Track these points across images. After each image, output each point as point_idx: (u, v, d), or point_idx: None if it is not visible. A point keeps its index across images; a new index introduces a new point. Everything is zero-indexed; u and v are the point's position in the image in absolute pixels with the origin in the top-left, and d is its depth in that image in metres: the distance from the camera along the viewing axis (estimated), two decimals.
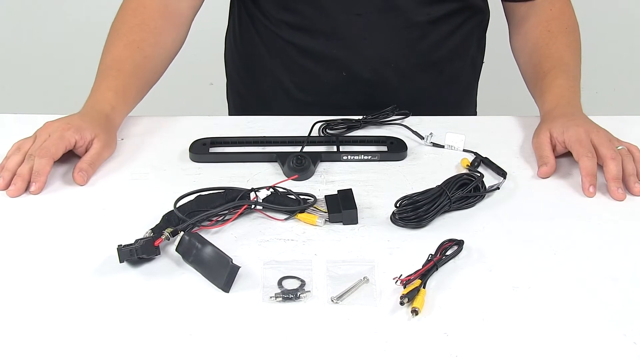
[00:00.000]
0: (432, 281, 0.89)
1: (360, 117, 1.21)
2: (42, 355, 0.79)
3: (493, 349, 0.80)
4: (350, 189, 1.02)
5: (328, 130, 1.19)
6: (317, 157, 1.11)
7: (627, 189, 1.06)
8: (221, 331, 0.82)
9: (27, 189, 1.04)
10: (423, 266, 0.90)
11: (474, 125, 1.23)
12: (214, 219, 0.97)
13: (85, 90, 1.17)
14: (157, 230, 0.94)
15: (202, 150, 1.13)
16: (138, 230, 0.94)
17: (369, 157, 1.13)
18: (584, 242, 0.96)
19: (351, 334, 0.82)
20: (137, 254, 0.89)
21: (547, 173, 1.09)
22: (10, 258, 0.93)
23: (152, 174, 1.10)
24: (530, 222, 1.00)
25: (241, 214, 0.98)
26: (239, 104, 1.46)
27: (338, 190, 1.03)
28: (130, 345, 0.80)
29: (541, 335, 0.82)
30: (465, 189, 1.01)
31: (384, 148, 1.15)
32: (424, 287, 0.86)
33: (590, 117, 1.15)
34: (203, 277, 0.89)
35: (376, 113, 1.21)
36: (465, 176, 1.02)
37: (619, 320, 0.84)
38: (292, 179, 1.06)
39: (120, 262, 0.90)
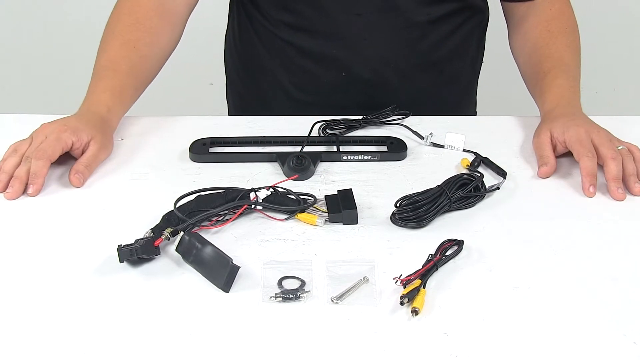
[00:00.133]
0: (432, 281, 0.89)
1: (360, 117, 1.21)
2: (42, 355, 0.79)
3: (493, 349, 0.80)
4: (350, 189, 1.02)
5: (328, 130, 1.19)
6: (317, 157, 1.11)
7: (627, 189, 1.06)
8: (221, 331, 0.82)
9: (24, 191, 1.04)
10: (423, 266, 0.90)
11: (474, 125, 1.23)
12: (214, 219, 0.97)
13: (84, 91, 1.17)
14: (157, 230, 0.94)
15: (202, 150, 1.13)
16: (138, 230, 0.94)
17: (369, 157, 1.13)
18: (584, 242, 0.96)
19: (351, 334, 0.82)
20: (137, 254, 0.89)
21: (547, 173, 1.09)
22: (9, 260, 0.93)
23: (152, 174, 1.10)
24: (530, 222, 1.00)
25: (241, 214, 0.98)
26: (238, 104, 1.45)
27: (338, 190, 1.03)
28: (130, 345, 0.80)
29: (541, 335, 0.82)
30: (465, 189, 1.01)
31: (384, 148, 1.15)
32: (424, 287, 0.86)
33: (590, 117, 1.15)
34: (203, 277, 0.89)
35: (376, 113, 1.21)
36: (465, 176, 1.02)
37: (619, 320, 0.84)
38: (292, 179, 1.06)
39: (120, 262, 0.90)
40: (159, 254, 0.92)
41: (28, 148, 1.07)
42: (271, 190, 1.01)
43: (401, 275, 0.88)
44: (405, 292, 0.85)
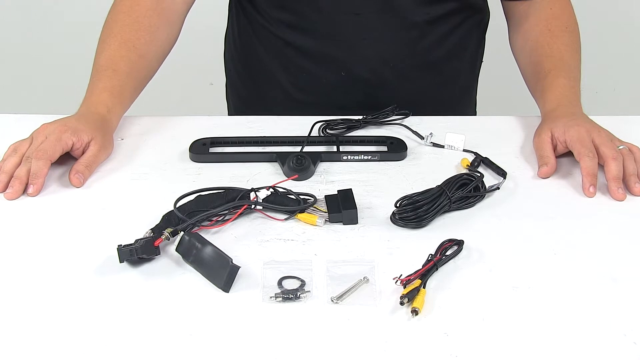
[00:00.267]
0: (432, 281, 0.89)
1: (360, 117, 1.21)
2: (42, 355, 0.79)
3: (493, 349, 0.80)
4: (350, 189, 1.02)
5: (328, 130, 1.19)
6: (317, 157, 1.11)
7: (628, 188, 1.06)
8: (221, 331, 0.82)
9: (24, 191, 1.04)
10: (423, 266, 0.90)
11: (474, 125, 1.23)
12: (214, 219, 0.97)
13: (84, 91, 1.17)
14: (157, 230, 0.94)
15: (202, 150, 1.13)
16: (138, 230, 0.94)
17: (369, 157, 1.13)
18: (584, 242, 0.96)
19: (351, 334, 0.82)
20: (137, 254, 0.89)
21: (548, 173, 1.09)
22: (9, 260, 0.93)
23: (152, 174, 1.10)
24: (530, 222, 1.00)
25: (241, 214, 0.98)
26: (238, 104, 1.46)
27: (338, 190, 1.03)
28: (130, 345, 0.80)
29: (541, 335, 0.82)
30: (465, 189, 1.01)
31: (384, 148, 1.15)
32: (424, 287, 0.86)
33: (591, 117, 1.15)
34: (203, 277, 0.89)
35: (376, 113, 1.21)
36: (465, 176, 1.02)
37: (619, 320, 0.84)
38: (292, 179, 1.06)
39: (120, 262, 0.90)
40: (159, 254, 0.92)
41: (28, 148, 1.07)
42: (271, 190, 1.01)
43: (401, 275, 0.88)
44: (405, 292, 0.85)
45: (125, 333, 0.82)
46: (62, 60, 2.47)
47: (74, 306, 0.85)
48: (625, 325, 0.83)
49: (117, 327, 0.82)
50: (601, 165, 1.08)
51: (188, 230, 0.93)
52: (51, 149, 1.06)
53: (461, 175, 1.03)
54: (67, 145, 1.08)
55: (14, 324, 0.83)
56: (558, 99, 1.18)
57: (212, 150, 1.14)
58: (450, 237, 0.94)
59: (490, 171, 1.10)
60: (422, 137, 1.17)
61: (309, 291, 0.87)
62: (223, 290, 0.87)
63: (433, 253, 0.92)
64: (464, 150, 1.14)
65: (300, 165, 1.08)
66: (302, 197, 1.01)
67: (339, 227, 0.98)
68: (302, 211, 0.99)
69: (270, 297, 0.86)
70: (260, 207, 1.00)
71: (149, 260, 0.92)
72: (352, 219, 0.99)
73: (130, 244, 0.90)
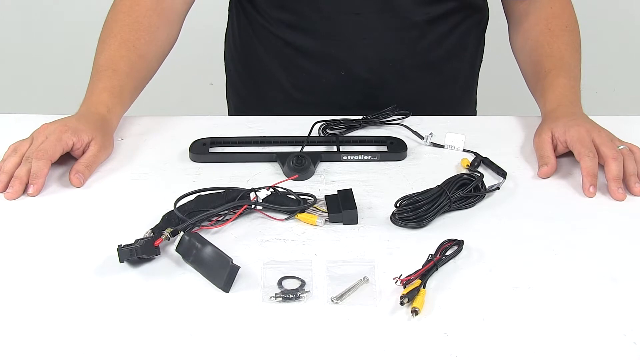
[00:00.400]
0: (432, 281, 0.89)
1: (360, 117, 1.21)
2: (42, 355, 0.79)
3: (493, 349, 0.80)
4: (350, 189, 1.02)
5: (328, 130, 1.19)
6: (317, 157, 1.11)
7: (628, 188, 1.06)
8: (221, 331, 0.82)
9: (24, 191, 1.04)
10: (423, 266, 0.90)
11: (474, 125, 1.23)
12: (214, 219, 0.97)
13: (84, 91, 1.17)
14: (157, 230, 0.94)
15: (202, 150, 1.13)
16: (138, 230, 0.94)
17: (369, 157, 1.13)
18: (584, 242, 0.96)
19: (351, 334, 0.82)
20: (137, 254, 0.89)
21: (548, 173, 1.09)
22: (10, 260, 0.93)
23: (152, 174, 1.10)
24: (530, 222, 1.00)
25: (241, 214, 0.98)
26: (238, 104, 1.46)
27: (338, 190, 1.03)
28: (130, 345, 0.80)
29: (541, 335, 0.82)
30: (465, 189, 1.01)
31: (384, 148, 1.15)
32: (424, 287, 0.86)
33: (591, 117, 1.15)
34: (203, 277, 0.89)
35: (376, 113, 1.21)
36: (465, 176, 1.02)
37: (619, 320, 0.84)
38: (292, 179, 1.06)
39: (120, 262, 0.90)
40: (159, 254, 0.92)
41: (28, 148, 1.07)
42: (271, 190, 1.01)
43: (401, 275, 0.88)
44: (405, 292, 0.85)
45: (126, 333, 0.82)
46: (62, 60, 2.47)
47: (74, 306, 0.85)
48: (625, 325, 0.83)
49: (117, 327, 0.82)
50: (601, 165, 1.08)
51: (188, 230, 0.93)
52: (51, 149, 1.06)
53: (461, 175, 1.03)
54: (68, 145, 1.08)
55: (14, 323, 0.83)
56: (558, 99, 1.18)
57: (212, 150, 1.14)
58: (450, 237, 0.94)
59: (490, 171, 1.10)
60: (422, 137, 1.17)
61: (309, 291, 0.87)
62: (223, 290, 0.87)
63: (433, 253, 0.92)
64: (464, 150, 1.14)
65: (300, 165, 1.08)
66: (302, 197, 1.01)
67: (339, 227, 0.98)
68: (302, 211, 0.99)
69: (270, 297, 0.86)
70: (260, 207, 1.00)
71: (149, 260, 0.92)
72: (352, 219, 0.99)
73: (130, 244, 0.90)
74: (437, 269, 0.90)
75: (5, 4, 2.46)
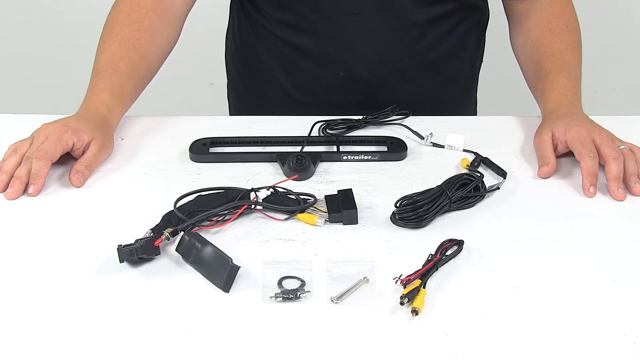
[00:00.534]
0: (432, 281, 0.89)
1: (360, 117, 1.21)
2: (42, 355, 0.79)
3: (493, 349, 0.80)
4: (350, 189, 1.02)
5: (328, 130, 1.19)
6: (317, 157, 1.11)
7: (628, 188, 1.06)
8: (221, 331, 0.82)
9: (24, 191, 1.04)
10: (423, 266, 0.90)
11: (474, 125, 1.23)
12: (214, 219, 0.97)
13: (84, 91, 1.17)
14: (157, 230, 0.94)
15: (202, 150, 1.13)
16: (138, 230, 0.94)
17: (369, 157, 1.13)
18: (584, 242, 0.96)
19: (351, 334, 0.82)
20: (137, 254, 0.89)
21: (548, 173, 1.09)
22: (10, 260, 0.93)
23: (152, 174, 1.10)
24: (530, 222, 1.00)
25: (241, 214, 0.98)
26: (239, 104, 1.46)
27: (338, 190, 1.03)
28: (131, 345, 0.80)
29: (541, 335, 0.82)
30: (465, 189, 1.01)
31: (384, 148, 1.15)
32: (424, 287, 0.86)
33: (591, 117, 1.15)
34: (203, 277, 0.89)
35: (376, 113, 1.21)
36: (465, 176, 1.02)
37: (619, 320, 0.84)
38: (292, 179, 1.06)
39: (120, 262, 0.90)
40: (159, 254, 0.92)
41: (29, 148, 1.07)
42: (271, 190, 1.01)
43: (401, 275, 0.88)
44: (405, 292, 0.85)
45: (126, 333, 0.82)
46: (62, 60, 2.47)
47: (74, 306, 0.85)
48: (625, 325, 0.83)
49: (117, 327, 0.82)
50: (602, 166, 1.08)
51: (188, 230, 0.93)
52: (52, 149, 1.06)
53: (461, 175, 1.03)
54: (68, 145, 1.08)
55: (14, 323, 0.83)
56: (559, 99, 1.18)
57: (212, 150, 1.14)
58: (450, 237, 0.94)
59: (490, 171, 1.10)
60: (422, 137, 1.17)
61: (309, 291, 0.87)
62: (223, 290, 0.87)
63: (433, 253, 0.92)
64: (464, 150, 1.14)
65: (300, 165, 1.08)
66: (302, 197, 1.01)
67: (339, 227, 0.98)
68: (302, 211, 0.99)
69: (270, 297, 0.86)
70: (260, 207, 1.00)
71: (149, 260, 0.92)
72: (352, 219, 0.99)
73: (130, 244, 0.90)
74: (437, 269, 0.90)
75: (5, 4, 2.46)
